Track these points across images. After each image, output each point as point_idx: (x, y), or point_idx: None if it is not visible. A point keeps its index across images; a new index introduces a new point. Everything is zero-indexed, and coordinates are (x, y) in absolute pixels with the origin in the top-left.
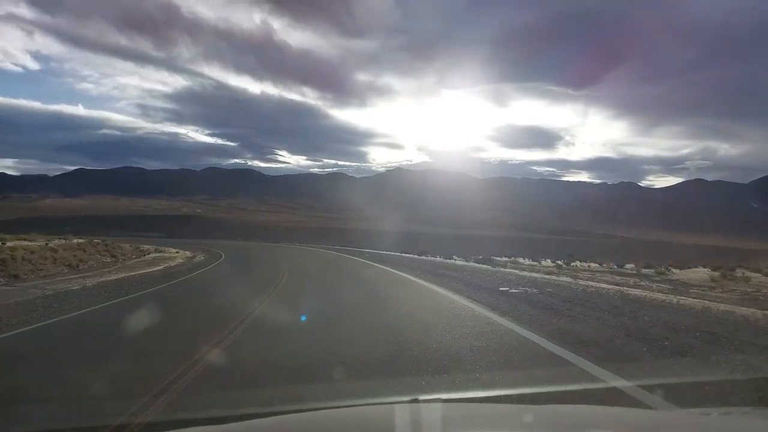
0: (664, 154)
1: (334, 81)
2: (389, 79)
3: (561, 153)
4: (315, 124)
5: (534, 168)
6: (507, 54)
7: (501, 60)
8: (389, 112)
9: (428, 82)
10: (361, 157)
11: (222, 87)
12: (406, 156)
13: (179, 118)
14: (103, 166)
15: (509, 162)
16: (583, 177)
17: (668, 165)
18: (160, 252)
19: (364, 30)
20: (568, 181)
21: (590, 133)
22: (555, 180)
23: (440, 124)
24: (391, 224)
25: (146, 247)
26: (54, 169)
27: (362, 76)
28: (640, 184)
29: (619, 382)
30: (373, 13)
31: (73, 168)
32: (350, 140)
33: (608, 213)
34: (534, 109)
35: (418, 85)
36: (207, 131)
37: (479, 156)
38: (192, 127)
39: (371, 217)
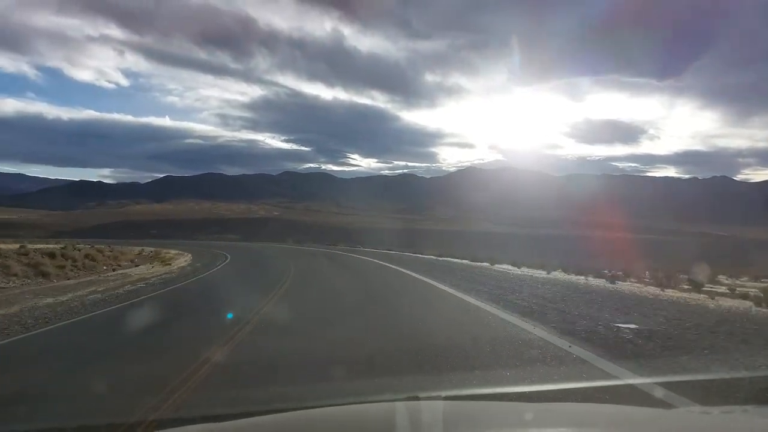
0: (761, 145)
1: (402, 83)
2: (458, 79)
3: (645, 147)
4: (385, 126)
5: (615, 164)
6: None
7: (576, 53)
8: (459, 112)
9: (499, 80)
10: (431, 157)
11: (296, 94)
12: (478, 155)
13: (256, 126)
14: (188, 173)
15: (588, 158)
16: (671, 172)
17: (766, 157)
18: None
19: (432, 31)
20: (654, 177)
21: (677, 125)
22: (639, 176)
23: (512, 122)
24: (464, 224)
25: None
26: (145, 176)
27: (431, 77)
28: (734, 178)
29: None
30: (441, 13)
31: (161, 175)
32: (420, 141)
33: (700, 209)
34: (613, 103)
35: (488, 83)
36: (282, 137)
37: (555, 153)
38: (268, 134)
39: (443, 218)
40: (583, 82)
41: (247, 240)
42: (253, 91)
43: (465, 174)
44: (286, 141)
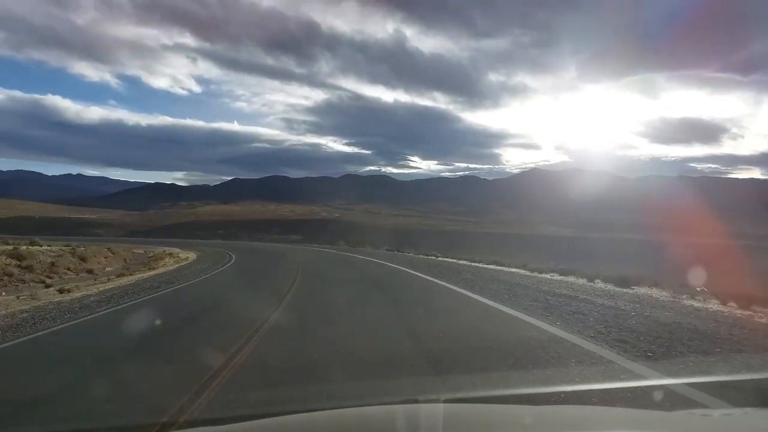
0: None
1: (465, 84)
2: (523, 78)
3: (726, 147)
4: (446, 128)
5: (693, 165)
6: (659, 40)
7: (651, 47)
8: (523, 112)
9: (566, 78)
10: (494, 159)
11: (357, 98)
12: (543, 156)
13: (319, 130)
14: (255, 176)
15: (662, 159)
16: (755, 173)
17: None
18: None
19: (497, 29)
20: (736, 179)
21: (763, 124)
22: (719, 177)
23: (580, 121)
24: (529, 227)
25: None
26: (215, 179)
27: (494, 77)
28: None
29: None
30: (506, 10)
31: (229, 178)
32: (482, 142)
33: None
34: (692, 100)
35: (555, 81)
36: (344, 141)
37: (626, 153)
38: (331, 138)
39: (506, 221)
40: (658, 78)
41: (307, 241)
42: (317, 95)
43: (529, 176)
44: (348, 144)
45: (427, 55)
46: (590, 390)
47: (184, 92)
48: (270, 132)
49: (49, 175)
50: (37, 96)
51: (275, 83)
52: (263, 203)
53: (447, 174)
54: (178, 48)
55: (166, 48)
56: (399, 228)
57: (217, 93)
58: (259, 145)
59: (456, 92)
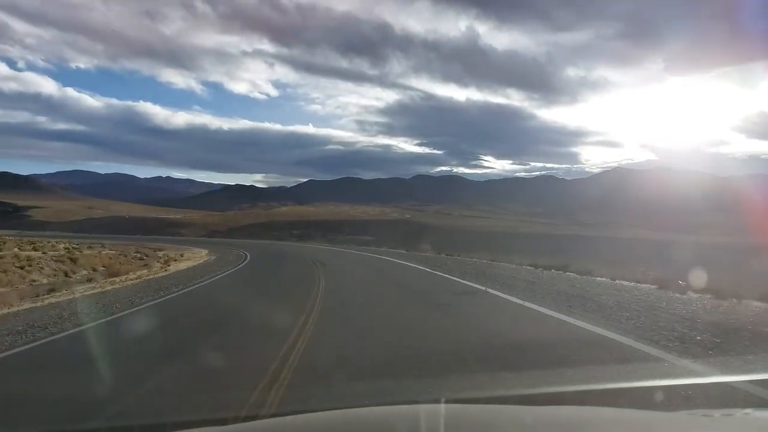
0: None
1: (541, 80)
2: (604, 72)
3: None
4: (520, 126)
5: None
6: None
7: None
8: (604, 108)
9: (652, 70)
10: (573, 158)
11: (429, 97)
12: (626, 154)
13: (391, 131)
14: (329, 177)
15: (762, 156)
16: None
17: None
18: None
19: (576, 22)
20: None
21: None
22: None
23: (668, 117)
24: (613, 229)
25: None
26: (291, 181)
27: (572, 72)
28: None
29: None
30: (586, 2)
31: (305, 180)
32: (559, 141)
33: None
34: None
35: (640, 74)
36: (415, 141)
37: (719, 150)
38: (402, 138)
39: (588, 222)
40: (757, 67)
41: (377, 243)
42: (389, 96)
43: (611, 175)
44: (419, 145)
45: (500, 52)
46: None
47: (263, 96)
48: (343, 134)
49: (142, 177)
50: (130, 103)
51: (348, 85)
52: (337, 204)
53: (522, 174)
54: (257, 54)
55: (246, 54)
56: (473, 229)
57: (293, 96)
58: (332, 146)
59: (531, 89)
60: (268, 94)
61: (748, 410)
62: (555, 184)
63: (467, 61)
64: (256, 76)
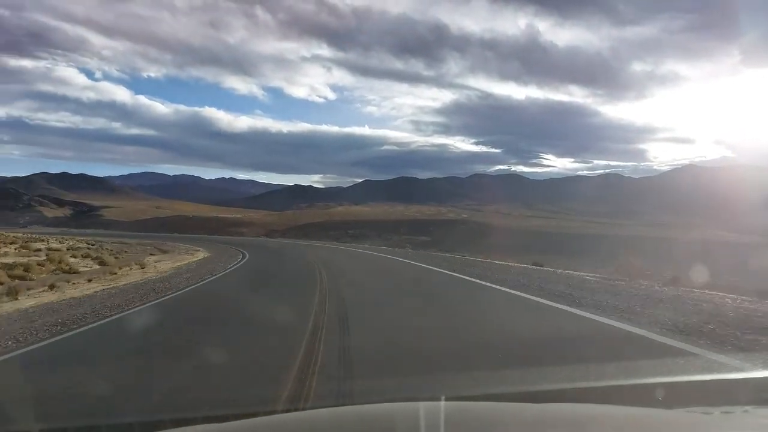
0: None
1: (605, 76)
2: (673, 65)
3: None
4: (583, 123)
5: None
6: None
7: None
8: (673, 103)
9: (727, 63)
10: (639, 155)
11: (486, 96)
12: (698, 151)
13: (447, 130)
14: (384, 177)
15: None
16: None
17: None
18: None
19: (642, 15)
20: None
21: None
22: None
23: (745, 112)
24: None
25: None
26: (347, 181)
27: (639, 66)
28: None
29: None
30: None
31: (360, 180)
32: (625, 138)
33: None
34: None
35: (713, 67)
36: (472, 140)
37: None
38: (458, 138)
39: (661, 224)
40: None
41: (434, 244)
42: (445, 96)
43: (682, 173)
44: (476, 143)
45: (562, 48)
46: None
47: (321, 100)
48: (398, 134)
49: (206, 178)
50: (196, 108)
51: (404, 86)
52: (392, 204)
53: (585, 172)
54: (315, 59)
55: (305, 59)
56: (536, 230)
57: (350, 99)
58: (388, 147)
59: (594, 85)
60: (325, 98)
61: (748, 407)
62: (621, 183)
63: (527, 59)
64: (315, 80)
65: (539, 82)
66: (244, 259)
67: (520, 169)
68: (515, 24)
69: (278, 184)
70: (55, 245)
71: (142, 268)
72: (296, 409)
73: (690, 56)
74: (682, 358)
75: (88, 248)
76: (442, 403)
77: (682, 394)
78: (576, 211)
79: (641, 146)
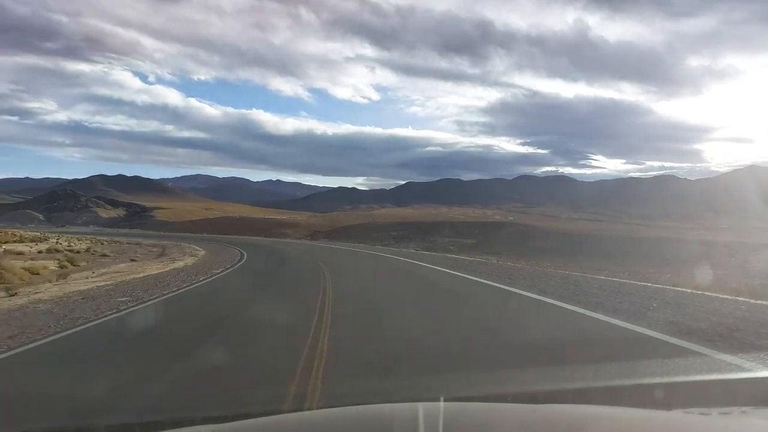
0: None
1: (658, 71)
2: (733, 59)
3: None
4: (635, 122)
5: None
6: None
7: None
8: (734, 100)
9: None
10: (695, 155)
11: (533, 95)
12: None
13: (492, 130)
14: (427, 179)
15: None
16: None
17: None
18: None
19: (699, 7)
20: None
21: None
22: None
23: None
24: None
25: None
26: (391, 183)
27: (695, 61)
28: None
29: None
30: None
31: (404, 182)
32: (680, 137)
33: None
34: None
35: None
36: (518, 141)
37: None
38: (504, 138)
39: (716, 227)
40: None
41: (479, 247)
42: (490, 95)
43: (744, 174)
44: (522, 144)
45: (612, 44)
46: None
47: (364, 100)
48: (442, 135)
49: (254, 180)
50: (244, 111)
51: (448, 85)
52: (435, 206)
53: (637, 174)
54: (359, 59)
55: (349, 60)
56: (585, 233)
57: (393, 99)
58: (432, 148)
59: (647, 81)
60: (369, 98)
61: (746, 408)
62: (676, 185)
63: (575, 55)
64: (358, 80)
65: (589, 79)
66: (223, 274)
67: (569, 170)
68: (563, 19)
69: (323, 186)
70: (60, 245)
71: (56, 282)
72: (297, 410)
73: (752, 49)
74: None
75: (88, 250)
76: (441, 403)
77: None
78: (628, 214)
79: (697, 146)
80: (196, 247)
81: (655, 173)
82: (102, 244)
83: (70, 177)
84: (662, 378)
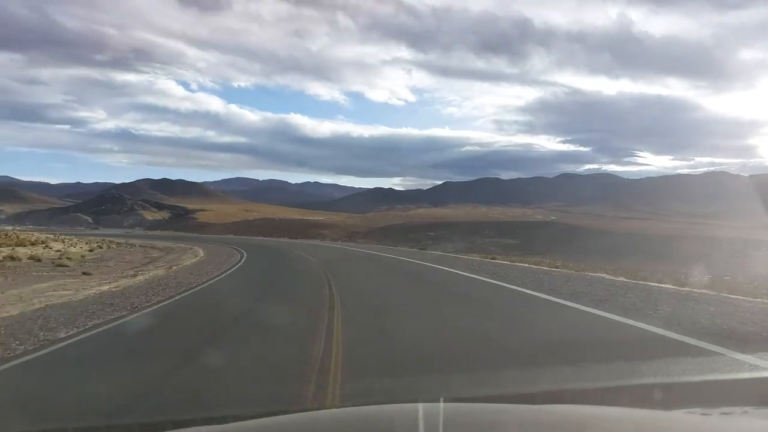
0: None
1: (707, 65)
2: None
3: None
4: (683, 118)
5: None
6: None
7: None
8: None
9: None
10: (749, 151)
11: (574, 92)
12: None
13: (531, 129)
14: (465, 179)
15: None
16: None
17: None
18: None
19: None
20: None
21: None
22: None
23: None
24: None
25: None
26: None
27: (747, 53)
28: None
29: None
30: None
31: (441, 182)
32: (731, 132)
33: None
34: None
35: None
36: (559, 139)
37: None
38: (544, 136)
39: None
40: None
41: (522, 247)
42: (529, 94)
43: None
44: (563, 142)
45: (657, 38)
46: None
47: (401, 102)
48: (480, 135)
49: (293, 183)
50: (282, 115)
51: (485, 85)
52: (474, 205)
53: (685, 170)
54: (395, 62)
55: (385, 63)
56: (633, 232)
57: (429, 101)
58: (469, 148)
59: (695, 76)
60: (405, 100)
61: (748, 408)
62: (728, 181)
63: (618, 51)
64: (394, 83)
65: (633, 75)
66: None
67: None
68: (605, 14)
69: (359, 188)
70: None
71: None
72: (297, 410)
73: None
74: None
75: (61, 257)
76: (441, 404)
77: None
78: (678, 212)
79: (750, 141)
80: (200, 251)
81: (705, 170)
82: (110, 247)
83: (118, 181)
84: None
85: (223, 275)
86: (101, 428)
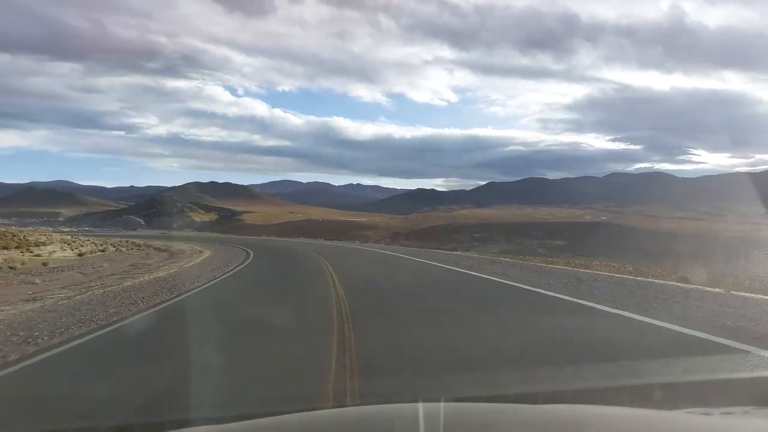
0: None
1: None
2: None
3: None
4: (741, 113)
5: None
6: None
7: None
8: None
9: None
10: None
11: (624, 88)
12: None
13: (579, 127)
14: (510, 179)
15: None
16: None
17: None
18: None
19: None
20: None
21: None
22: None
23: None
24: None
25: None
26: (470, 184)
27: None
28: None
29: None
30: None
31: (484, 182)
32: None
33: None
34: None
35: None
36: (608, 137)
37: None
38: (592, 135)
39: None
40: None
41: (572, 249)
42: (576, 91)
43: None
44: (613, 140)
45: (713, 30)
46: None
47: (443, 103)
48: (524, 134)
49: (336, 185)
50: (326, 118)
51: (530, 83)
52: (519, 206)
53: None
54: (437, 62)
55: (427, 63)
56: (691, 232)
57: (472, 100)
58: (513, 148)
59: (755, 69)
60: (447, 100)
61: (749, 408)
62: None
63: (671, 44)
64: (436, 83)
65: (686, 69)
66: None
67: (665, 166)
68: (656, 6)
69: (401, 189)
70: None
71: None
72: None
73: None
74: None
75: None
76: (442, 404)
77: None
78: (737, 212)
79: None
80: (206, 252)
81: (766, 167)
82: (119, 250)
83: (169, 185)
84: None
85: (162, 305)
86: (101, 428)
